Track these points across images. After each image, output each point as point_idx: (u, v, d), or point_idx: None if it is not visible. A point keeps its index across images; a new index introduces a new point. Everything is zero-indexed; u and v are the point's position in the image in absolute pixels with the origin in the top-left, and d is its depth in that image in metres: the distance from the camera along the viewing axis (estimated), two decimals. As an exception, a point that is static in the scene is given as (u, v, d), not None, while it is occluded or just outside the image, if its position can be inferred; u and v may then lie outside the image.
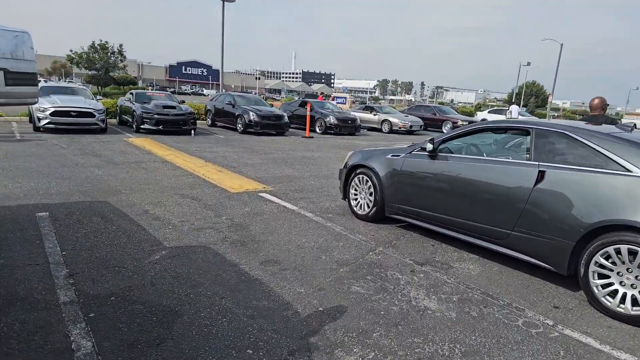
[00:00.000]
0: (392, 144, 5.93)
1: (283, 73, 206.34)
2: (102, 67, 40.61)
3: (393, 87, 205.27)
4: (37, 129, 11.46)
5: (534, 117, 31.60)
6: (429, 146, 4.42)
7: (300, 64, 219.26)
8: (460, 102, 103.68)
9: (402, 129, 19.63)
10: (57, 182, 6.07)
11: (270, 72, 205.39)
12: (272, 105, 16.95)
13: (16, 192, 5.43)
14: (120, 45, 41.13)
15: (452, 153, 4.40)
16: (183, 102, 15.36)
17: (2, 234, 3.93)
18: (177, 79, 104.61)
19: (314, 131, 16.70)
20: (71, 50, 39.71)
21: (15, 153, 8.15)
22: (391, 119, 20.03)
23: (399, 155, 4.83)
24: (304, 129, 17.34)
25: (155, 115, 12.79)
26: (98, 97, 13.72)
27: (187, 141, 11.83)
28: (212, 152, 10.13)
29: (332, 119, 16.68)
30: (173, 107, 13.34)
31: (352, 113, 19.21)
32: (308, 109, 15.28)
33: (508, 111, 24.47)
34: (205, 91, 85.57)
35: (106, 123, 12.49)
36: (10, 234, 3.93)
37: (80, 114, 11.72)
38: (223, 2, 19.30)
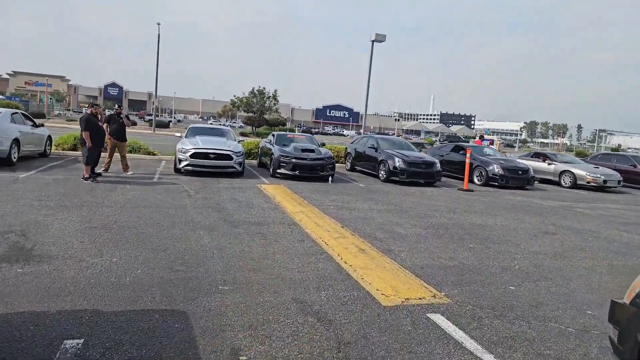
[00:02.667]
0: None
1: (420, 115, 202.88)
2: (258, 109, 44.08)
3: (543, 129, 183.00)
4: (177, 170, 11.02)
5: None
6: None
7: (438, 106, 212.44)
8: (630, 148, 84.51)
9: (592, 183, 14.87)
10: (145, 258, 4.47)
11: (408, 114, 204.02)
12: (420, 150, 14.35)
13: (79, 279, 3.89)
14: (275, 91, 44.22)
15: None
16: (323, 144, 13.91)
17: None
18: (322, 121, 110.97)
19: (472, 181, 13.43)
20: (234, 96, 44.16)
21: (135, 202, 7.20)
22: (574, 170, 15.45)
23: None
24: (457, 178, 14.29)
25: (293, 160, 11.40)
26: (241, 139, 13.05)
27: (324, 190, 9.98)
28: (351, 208, 7.96)
29: (496, 168, 13.22)
30: (312, 151, 11.83)
31: (521, 161, 15.29)
32: (468, 155, 12.20)
33: None
34: (345, 132, 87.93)
35: (243, 166, 11.54)
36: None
37: (219, 157, 10.93)
38: (372, 43, 17.90)
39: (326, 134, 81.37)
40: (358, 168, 14.50)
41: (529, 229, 7.38)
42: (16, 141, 10.01)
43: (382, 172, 12.62)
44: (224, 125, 69.15)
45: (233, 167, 11.14)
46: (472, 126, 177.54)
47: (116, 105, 11.06)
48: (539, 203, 10.77)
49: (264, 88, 42.50)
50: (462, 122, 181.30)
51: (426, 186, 12.32)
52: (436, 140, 73.31)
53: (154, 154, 14.51)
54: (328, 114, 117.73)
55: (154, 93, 37.51)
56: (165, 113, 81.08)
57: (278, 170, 11.50)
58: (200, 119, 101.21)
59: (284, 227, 6.22)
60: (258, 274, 4.21)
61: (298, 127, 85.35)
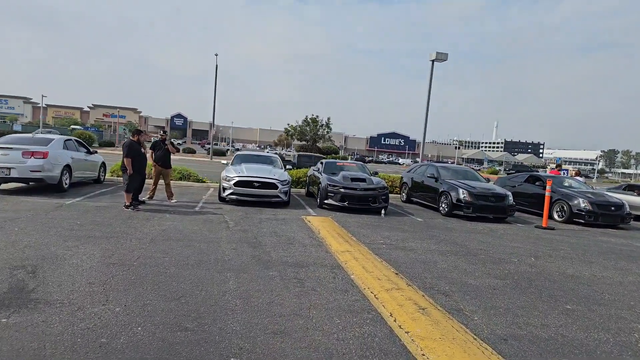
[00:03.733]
0: None
1: (482, 142, 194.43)
2: (311, 138, 44.30)
3: (624, 158, 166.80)
4: (221, 199, 10.52)
5: None
6: None
7: (502, 134, 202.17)
8: None
9: None
10: (153, 308, 3.69)
11: (468, 142, 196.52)
12: (488, 181, 12.80)
13: (64, 337, 3.17)
14: (328, 119, 44.38)
15: None
16: (376, 173, 12.91)
17: None
18: (376, 149, 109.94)
19: (550, 217, 11.60)
20: (288, 124, 44.95)
21: (168, 234, 6.61)
22: (680, 206, 12.98)
23: None
24: (531, 213, 12.56)
25: (342, 190, 10.47)
26: (288, 167, 12.39)
27: (375, 224, 8.90)
28: (407, 249, 6.80)
29: (582, 203, 11.32)
30: (363, 180, 10.85)
31: (612, 194, 13.13)
32: (548, 187, 10.51)
33: None
34: (400, 160, 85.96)
35: (289, 195, 10.80)
36: None
37: (263, 185, 10.30)
38: (432, 63, 16.86)
39: (380, 162, 79.89)
40: (415, 200, 13.22)
41: (641, 284, 5.76)
42: (68, 167, 10.09)
43: (443, 205, 11.27)
44: (276, 153, 71.08)
45: (278, 197, 10.43)
46: (541, 155, 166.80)
47: (161, 132, 10.89)
48: (641, 246, 8.85)
49: (317, 116, 42.74)
50: (529, 150, 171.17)
51: (496, 222, 10.77)
52: (500, 169, 68.92)
53: (203, 182, 14.30)
54: (383, 141, 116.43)
55: (214, 123, 38.92)
56: (224, 142, 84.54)
57: (325, 201, 10.60)
58: (257, 148, 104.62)
59: (326, 270, 5.24)
60: (285, 340, 3.25)
61: (352, 155, 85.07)
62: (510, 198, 11.06)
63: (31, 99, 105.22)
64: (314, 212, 10.05)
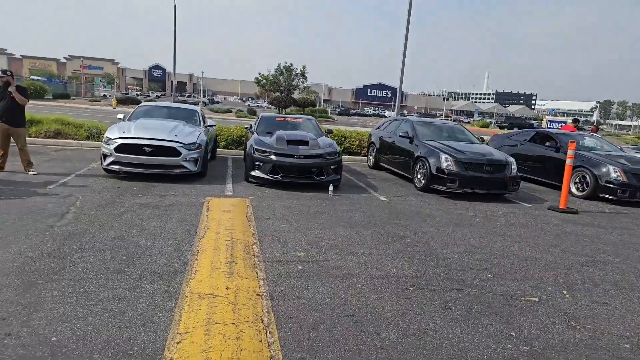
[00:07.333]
0: None
1: (473, 94, 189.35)
2: (285, 88, 40.09)
3: (619, 109, 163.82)
4: (106, 170, 7.19)
5: None
6: None
7: (493, 85, 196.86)
8: None
9: None
10: None
11: (458, 93, 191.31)
12: (483, 141, 9.55)
13: None
14: (304, 67, 39.89)
15: None
16: (330, 132, 9.58)
17: None
18: (361, 101, 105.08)
19: (570, 192, 8.54)
20: (259, 73, 40.29)
21: None
22: None
23: None
24: (536, 182, 9.63)
25: (273, 157, 7.18)
26: (211, 124, 8.95)
27: (313, 212, 5.75)
28: (338, 275, 3.69)
29: (614, 173, 8.18)
30: (305, 143, 7.51)
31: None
32: (570, 152, 7.28)
33: None
34: (386, 112, 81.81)
35: (201, 164, 7.43)
36: None
37: (158, 150, 7.00)
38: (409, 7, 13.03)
39: (365, 115, 75.71)
40: (384, 165, 10.02)
41: None
42: None
43: (418, 176, 8.10)
44: (258, 105, 65.64)
45: (182, 167, 7.17)
46: (533, 106, 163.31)
47: (4, 71, 7.22)
48: None
49: (292, 64, 38.13)
50: (522, 101, 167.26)
51: (490, 199, 7.70)
52: (491, 122, 65.07)
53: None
54: (369, 93, 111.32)
55: (194, 74, 34.50)
56: (202, 95, 79.02)
57: (252, 173, 7.35)
58: (239, 100, 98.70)
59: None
60: None
61: (336, 108, 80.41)
62: (514, 166, 7.89)
63: (6, 49, 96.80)
64: (230, 190, 6.85)
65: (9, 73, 6.87)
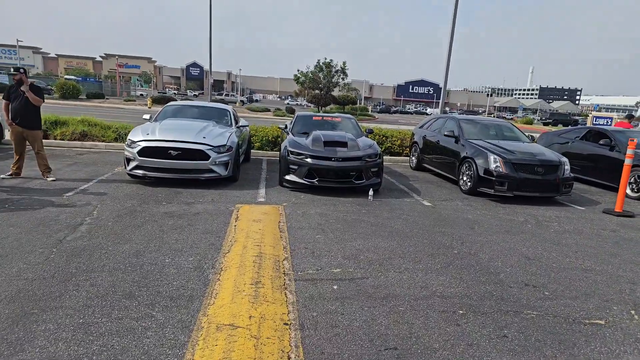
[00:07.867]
0: None
1: (516, 90, 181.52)
2: (325, 85, 39.53)
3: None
4: (130, 175, 6.90)
5: None
6: None
7: (537, 80, 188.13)
8: None
9: None
10: None
11: (501, 89, 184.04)
12: (533, 140, 8.96)
13: None
14: (344, 63, 39.06)
15: None
16: (371, 131, 9.31)
17: None
18: (402, 98, 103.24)
19: (628, 195, 7.84)
20: (298, 70, 39.88)
21: None
22: None
23: None
24: (589, 183, 8.99)
25: (308, 160, 6.97)
26: (243, 124, 8.81)
27: (351, 219, 5.50)
28: (377, 295, 3.44)
29: (675, 173, 7.46)
30: (343, 144, 7.21)
31: None
32: (629, 152, 6.65)
33: None
34: (428, 110, 79.75)
35: (232, 167, 7.11)
36: None
37: (185, 153, 6.66)
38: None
39: (406, 112, 74.29)
40: (428, 167, 9.64)
41: None
42: None
43: (464, 178, 7.69)
44: (298, 103, 64.97)
45: (211, 171, 6.86)
46: (577, 102, 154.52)
47: (12, 69, 7.01)
48: None
49: (331, 60, 37.52)
50: (565, 96, 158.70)
51: (541, 202, 7.18)
52: (534, 118, 61.90)
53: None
54: (411, 90, 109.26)
55: (232, 72, 34.95)
56: (241, 93, 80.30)
57: (286, 177, 7.12)
58: (278, 99, 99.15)
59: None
60: None
61: (377, 105, 79.23)
62: (567, 167, 7.33)
63: (41, 48, 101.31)
64: (263, 196, 6.65)
65: (22, 71, 6.54)
